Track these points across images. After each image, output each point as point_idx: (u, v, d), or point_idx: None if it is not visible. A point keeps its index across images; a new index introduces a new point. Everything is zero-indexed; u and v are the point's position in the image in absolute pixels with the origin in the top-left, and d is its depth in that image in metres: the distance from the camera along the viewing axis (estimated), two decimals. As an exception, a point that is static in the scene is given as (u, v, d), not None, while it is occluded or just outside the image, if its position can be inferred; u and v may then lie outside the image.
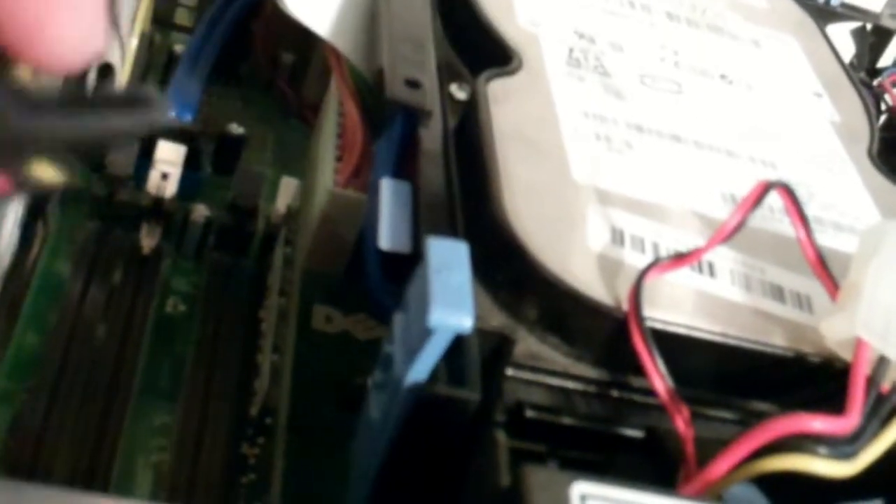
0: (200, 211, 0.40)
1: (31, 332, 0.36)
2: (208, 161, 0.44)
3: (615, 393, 0.30)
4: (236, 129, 0.44)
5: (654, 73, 0.39)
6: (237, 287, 0.40)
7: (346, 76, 0.42)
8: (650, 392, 0.28)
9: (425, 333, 0.25)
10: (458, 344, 0.26)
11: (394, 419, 0.27)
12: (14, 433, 0.33)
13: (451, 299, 0.25)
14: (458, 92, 0.37)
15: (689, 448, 0.27)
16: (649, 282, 0.29)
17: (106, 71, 0.42)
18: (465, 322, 0.25)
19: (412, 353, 0.26)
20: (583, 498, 0.21)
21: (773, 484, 0.26)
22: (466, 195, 0.32)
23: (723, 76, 0.41)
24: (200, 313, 0.39)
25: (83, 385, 0.35)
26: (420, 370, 0.26)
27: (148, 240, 0.39)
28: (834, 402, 0.27)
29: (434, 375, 0.26)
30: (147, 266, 0.39)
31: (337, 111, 0.43)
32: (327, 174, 0.40)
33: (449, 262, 0.26)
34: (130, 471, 0.33)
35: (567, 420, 0.29)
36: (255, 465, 0.34)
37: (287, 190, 0.40)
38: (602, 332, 0.29)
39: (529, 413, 0.29)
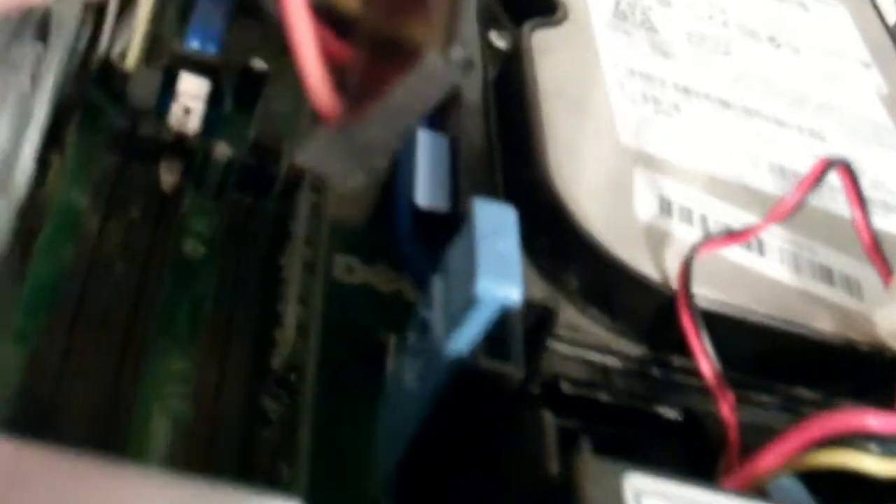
0: (222, 149, 0.38)
1: (47, 269, 0.35)
2: (230, 96, 0.42)
3: (655, 371, 0.29)
4: (259, 63, 0.42)
5: (702, 32, 0.37)
6: (258, 231, 0.39)
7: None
8: (691, 372, 0.28)
9: (469, 303, 0.24)
10: (502, 314, 0.25)
11: (431, 389, 0.26)
12: (31, 373, 0.32)
13: (498, 269, 0.24)
14: (498, 40, 0.35)
15: (733, 436, 0.26)
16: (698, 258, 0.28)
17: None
18: (512, 294, 0.23)
19: (454, 322, 0.24)
20: (637, 494, 0.20)
21: (816, 477, 0.25)
22: (506, 152, 0.31)
23: (771, 38, 0.39)
24: (220, 256, 0.38)
25: (100, 325, 0.34)
26: (462, 341, 0.24)
27: (168, 176, 0.38)
28: (884, 392, 0.26)
29: (475, 347, 0.25)
30: (166, 204, 0.38)
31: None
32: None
33: (496, 227, 0.24)
34: (147, 418, 0.32)
35: (604, 396, 0.28)
36: (277, 420, 0.33)
37: (313, 132, 0.39)
38: (647, 308, 0.28)
39: (566, 388, 0.28)
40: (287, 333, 0.33)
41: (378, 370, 0.34)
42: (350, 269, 0.39)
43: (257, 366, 0.34)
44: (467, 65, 0.17)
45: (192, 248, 0.38)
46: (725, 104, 0.35)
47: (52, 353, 0.33)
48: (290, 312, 0.34)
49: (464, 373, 0.25)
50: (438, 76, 0.17)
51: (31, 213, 0.37)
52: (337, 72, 0.18)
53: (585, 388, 0.28)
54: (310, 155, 0.18)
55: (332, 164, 0.18)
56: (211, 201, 0.39)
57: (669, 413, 0.28)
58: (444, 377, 0.25)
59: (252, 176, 0.39)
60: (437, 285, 0.26)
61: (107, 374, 0.33)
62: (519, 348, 0.25)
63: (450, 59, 0.17)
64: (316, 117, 0.18)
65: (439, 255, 0.32)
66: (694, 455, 0.27)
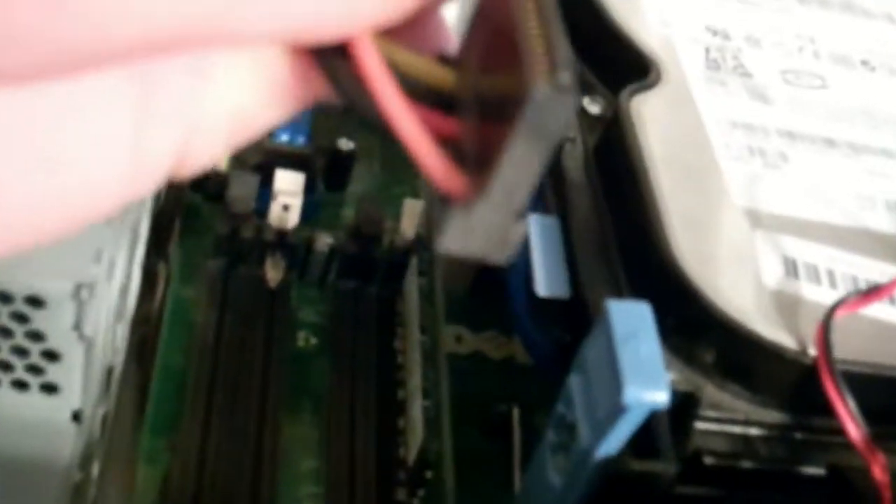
0: (323, 240, 0.38)
1: (167, 384, 0.35)
2: (321, 179, 0.42)
3: (798, 435, 0.28)
4: (346, 143, 0.42)
5: (796, 68, 0.37)
6: (366, 315, 0.39)
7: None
8: (835, 431, 0.27)
9: (617, 411, 0.23)
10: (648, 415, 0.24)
11: (580, 490, 0.25)
12: (166, 495, 0.32)
13: (643, 374, 0.23)
14: (592, 106, 0.35)
15: (887, 495, 0.26)
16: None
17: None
18: (660, 398, 0.23)
19: (600, 427, 0.24)
20: None
21: None
22: (618, 227, 0.31)
23: (864, 62, 0.38)
24: (332, 345, 0.38)
25: (228, 433, 0.34)
26: (610, 445, 0.24)
27: (273, 273, 0.38)
28: None
29: (623, 448, 0.24)
30: (275, 300, 0.38)
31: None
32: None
33: (634, 328, 0.24)
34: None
35: (747, 464, 0.28)
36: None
37: (412, 212, 0.38)
38: (787, 377, 0.27)
39: (709, 460, 0.27)
40: (414, 426, 0.33)
41: (503, 444, 0.34)
42: (459, 339, 0.39)
43: (385, 456, 0.34)
44: (575, 89, 0.16)
45: (305, 340, 0.38)
46: (830, 143, 0.34)
47: (185, 469, 0.33)
48: (416, 407, 0.34)
49: (614, 474, 0.25)
50: (553, 107, 0.16)
51: (142, 324, 0.38)
52: (451, 147, 0.18)
53: (728, 459, 0.28)
54: (452, 240, 0.17)
55: (476, 242, 0.17)
56: (316, 290, 0.40)
57: (814, 471, 0.28)
58: (593, 479, 0.25)
59: (354, 262, 0.39)
60: (576, 385, 0.26)
61: (242, 484, 0.33)
62: (668, 444, 0.25)
63: (559, 85, 0.16)
64: (445, 202, 0.17)
65: (560, 334, 0.31)
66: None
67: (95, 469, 0.32)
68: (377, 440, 0.35)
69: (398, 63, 0.18)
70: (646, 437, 0.25)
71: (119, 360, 0.35)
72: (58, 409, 0.29)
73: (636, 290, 0.29)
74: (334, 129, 0.43)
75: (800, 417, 0.28)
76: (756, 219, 0.30)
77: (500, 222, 0.17)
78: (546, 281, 0.29)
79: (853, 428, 0.26)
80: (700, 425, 0.27)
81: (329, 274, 0.39)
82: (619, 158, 0.31)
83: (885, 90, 0.37)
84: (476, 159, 0.17)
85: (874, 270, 0.30)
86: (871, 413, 0.26)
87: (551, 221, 0.31)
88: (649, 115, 0.32)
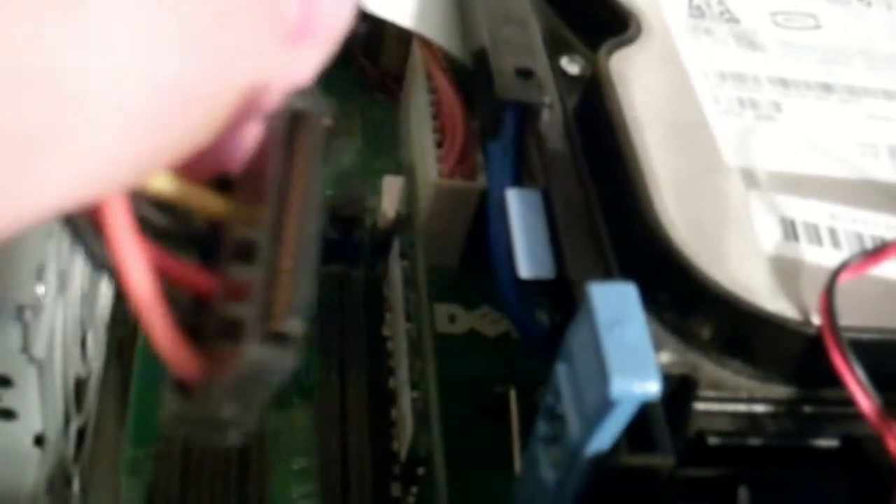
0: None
1: (149, 386, 0.34)
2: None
3: (807, 408, 0.26)
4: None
5: (786, 9, 0.34)
6: (352, 302, 0.37)
7: (436, 52, 0.39)
8: (846, 402, 0.25)
9: (605, 405, 0.22)
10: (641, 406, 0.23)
11: (572, 488, 0.24)
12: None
13: (630, 363, 0.21)
14: (570, 66, 0.33)
15: (906, 468, 0.24)
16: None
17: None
18: (651, 388, 0.21)
19: (589, 422, 0.22)
20: None
21: None
22: (603, 195, 0.29)
23: (860, -4, 0.36)
24: (319, 336, 0.36)
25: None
26: (602, 439, 0.22)
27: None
28: None
29: (616, 443, 0.23)
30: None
31: (426, 88, 0.39)
32: (429, 164, 0.37)
33: (619, 313, 0.22)
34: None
35: (755, 441, 0.26)
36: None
37: (391, 190, 0.37)
38: (791, 349, 0.25)
39: (713, 440, 0.26)
40: (405, 420, 0.32)
41: (502, 426, 0.33)
42: (452, 318, 0.38)
43: (379, 450, 0.33)
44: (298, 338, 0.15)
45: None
46: (827, 88, 0.32)
47: (170, 476, 0.32)
48: (405, 400, 0.32)
49: (607, 470, 0.23)
50: (268, 361, 0.15)
51: (120, 324, 0.36)
52: (198, 310, 0.17)
53: (734, 438, 0.26)
54: (175, 420, 0.16)
55: (201, 427, 0.16)
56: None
57: (827, 443, 0.26)
58: (587, 473, 0.23)
59: (336, 246, 0.37)
60: (563, 376, 0.24)
61: (231, 488, 0.32)
62: (664, 435, 0.23)
63: (284, 338, 0.15)
64: (174, 381, 0.16)
65: (550, 315, 0.30)
66: (857, 479, 0.26)
67: (76, 486, 0.31)
68: (370, 433, 0.33)
69: (164, 191, 0.16)
70: (640, 429, 0.23)
71: (95, 368, 0.33)
72: (18, 435, 0.28)
73: (625, 265, 0.27)
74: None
75: (807, 390, 0.26)
76: (750, 178, 0.28)
77: (225, 419, 0.15)
78: (528, 261, 0.27)
79: (864, 400, 0.24)
80: (700, 406, 0.26)
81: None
82: (600, 121, 0.29)
83: (883, 26, 0.35)
84: (217, 328, 0.16)
85: (879, 225, 0.28)
86: (884, 380, 0.24)
87: (532, 195, 0.29)
88: (630, 71, 0.30)
